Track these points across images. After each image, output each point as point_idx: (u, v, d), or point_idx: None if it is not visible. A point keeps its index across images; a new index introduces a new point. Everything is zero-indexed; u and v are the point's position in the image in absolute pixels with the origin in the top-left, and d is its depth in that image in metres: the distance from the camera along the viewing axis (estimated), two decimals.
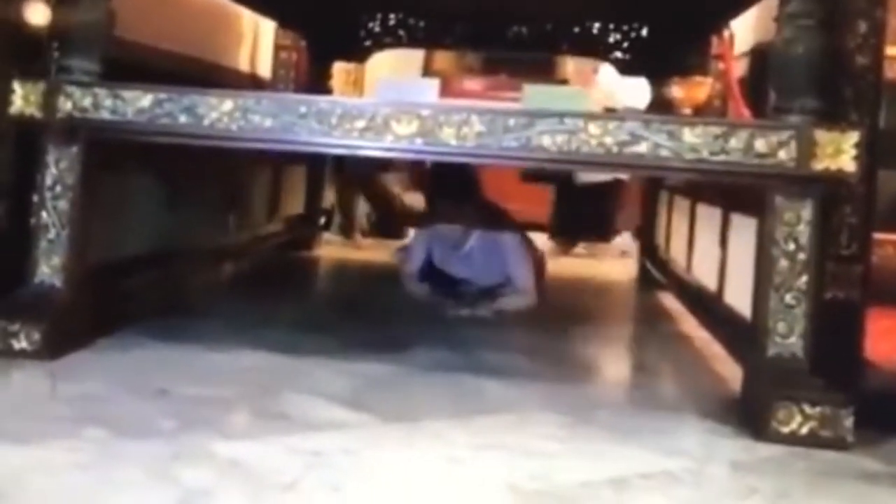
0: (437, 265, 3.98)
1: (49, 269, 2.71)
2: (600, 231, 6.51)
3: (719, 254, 3.18)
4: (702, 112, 4.82)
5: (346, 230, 6.35)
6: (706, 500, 1.95)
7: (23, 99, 2.68)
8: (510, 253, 3.92)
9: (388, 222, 6.42)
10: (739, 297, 2.82)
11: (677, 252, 4.24)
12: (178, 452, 1.93)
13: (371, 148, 2.65)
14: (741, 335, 2.70)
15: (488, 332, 3.34)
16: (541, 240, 5.28)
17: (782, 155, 2.43)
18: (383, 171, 6.44)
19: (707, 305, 3.37)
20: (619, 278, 5.34)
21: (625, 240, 6.50)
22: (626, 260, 5.98)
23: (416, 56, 8.46)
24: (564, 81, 6.33)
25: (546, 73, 8.23)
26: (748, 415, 2.42)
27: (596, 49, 5.35)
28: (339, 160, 5.71)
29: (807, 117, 2.46)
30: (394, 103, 2.64)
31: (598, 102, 6.27)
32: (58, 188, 2.71)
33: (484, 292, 3.86)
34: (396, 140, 2.61)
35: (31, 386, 2.42)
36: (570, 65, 8.10)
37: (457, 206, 3.96)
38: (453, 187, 4.04)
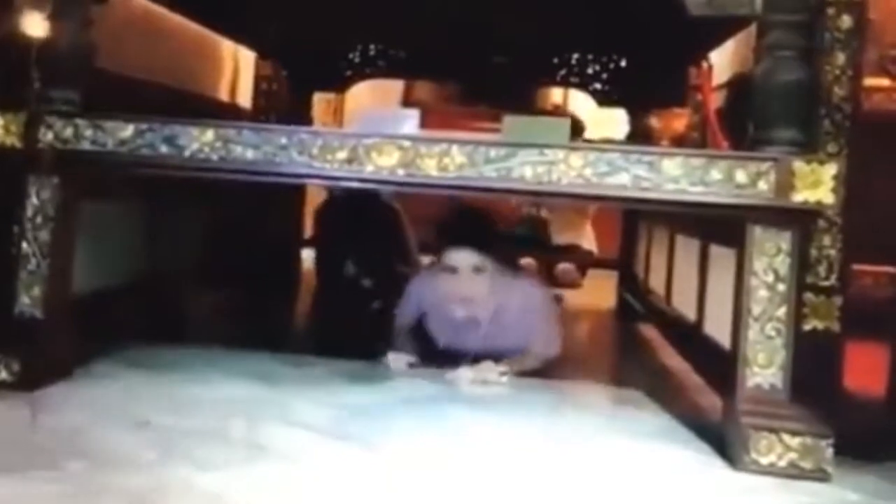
0: (433, 333, 3.42)
1: (29, 299, 2.69)
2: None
3: (698, 284, 3.19)
4: (680, 143, 4.85)
5: None
6: None
7: (3, 129, 2.68)
8: (535, 310, 3.37)
9: None
10: (719, 328, 2.83)
11: (656, 283, 4.25)
12: (159, 484, 1.92)
13: (352, 179, 2.66)
14: (721, 366, 2.71)
15: None
16: None
17: (762, 186, 2.45)
18: None
19: (686, 336, 3.38)
20: (596, 309, 5.34)
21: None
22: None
23: (396, 86, 8.48)
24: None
25: (528, 103, 8.26)
26: (728, 445, 2.43)
27: (574, 80, 5.38)
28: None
29: (786, 148, 2.48)
30: (375, 134, 2.64)
31: None
32: (38, 219, 2.70)
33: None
34: (377, 171, 2.61)
35: (11, 417, 2.39)
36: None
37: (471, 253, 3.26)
38: (464, 230, 3.33)
